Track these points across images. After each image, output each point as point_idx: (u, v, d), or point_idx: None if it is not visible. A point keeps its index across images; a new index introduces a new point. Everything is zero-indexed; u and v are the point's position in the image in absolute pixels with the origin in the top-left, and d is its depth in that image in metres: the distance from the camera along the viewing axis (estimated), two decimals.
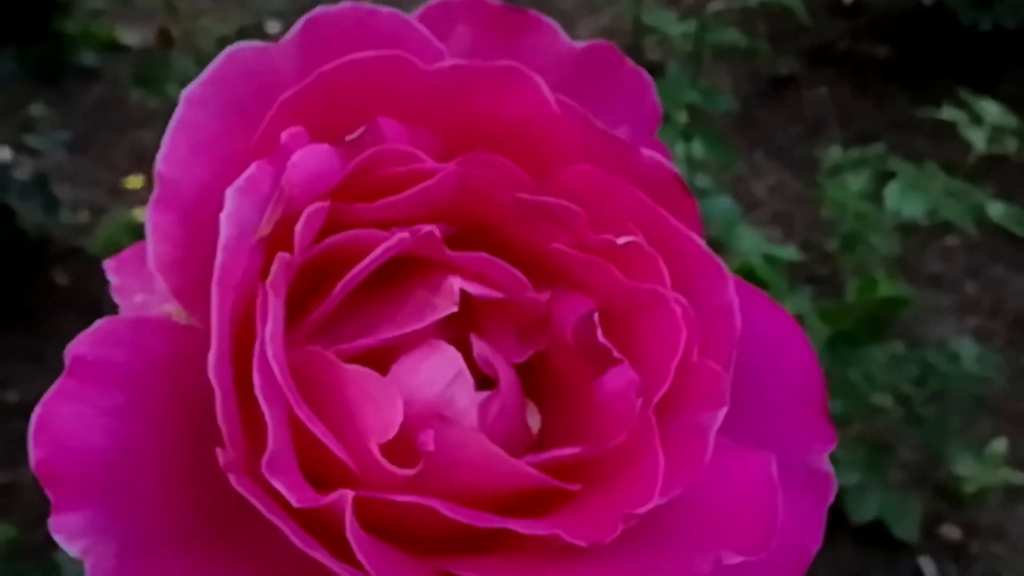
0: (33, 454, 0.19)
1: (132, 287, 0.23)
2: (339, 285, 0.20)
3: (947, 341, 1.24)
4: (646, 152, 0.22)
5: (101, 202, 1.57)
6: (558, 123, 0.22)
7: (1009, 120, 1.06)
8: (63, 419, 0.19)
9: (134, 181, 1.60)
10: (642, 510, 0.20)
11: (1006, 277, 1.52)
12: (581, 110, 0.22)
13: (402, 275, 0.22)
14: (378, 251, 0.20)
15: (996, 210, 1.08)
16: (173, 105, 0.21)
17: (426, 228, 0.21)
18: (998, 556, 1.19)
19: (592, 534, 0.19)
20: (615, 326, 0.22)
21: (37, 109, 1.69)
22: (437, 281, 0.21)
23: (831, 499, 0.26)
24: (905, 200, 1.04)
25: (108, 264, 0.23)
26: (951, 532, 1.21)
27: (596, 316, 0.21)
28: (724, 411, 0.21)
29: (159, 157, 0.21)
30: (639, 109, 0.24)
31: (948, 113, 1.07)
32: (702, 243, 0.22)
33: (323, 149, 0.20)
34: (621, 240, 0.21)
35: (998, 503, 1.23)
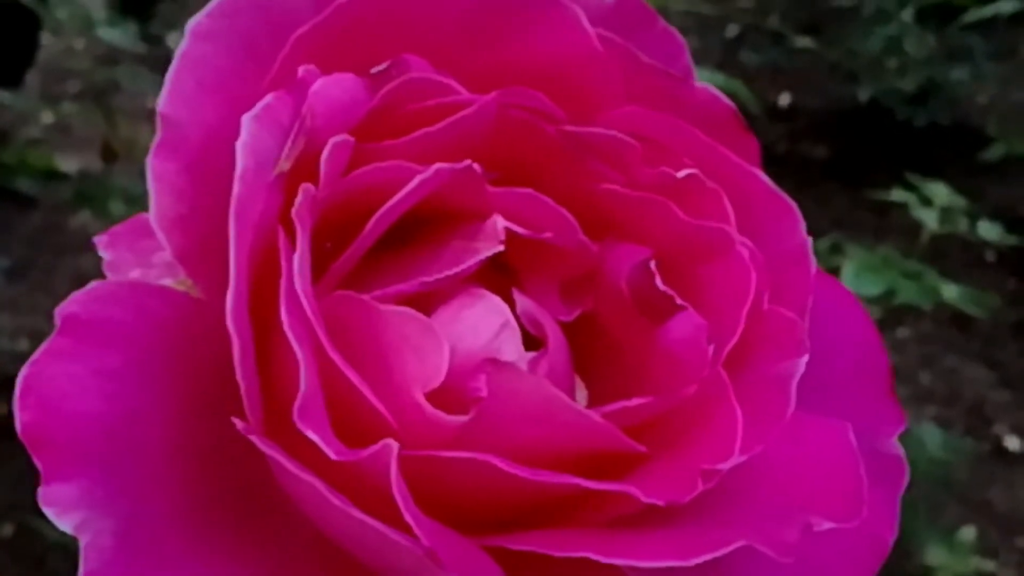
0: (20, 417, 0.16)
1: (126, 261, 0.20)
2: (370, 223, 0.18)
3: (908, 431, 1.23)
4: (699, 86, 0.20)
5: (42, 329, 1.52)
6: (601, 61, 0.20)
7: (958, 200, 1.07)
8: (54, 379, 0.17)
9: None
10: (723, 466, 0.17)
11: (959, 366, 1.52)
12: (625, 45, 0.20)
13: (433, 230, 0.20)
14: (414, 183, 0.18)
15: (951, 292, 1.08)
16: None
17: (465, 161, 0.18)
18: None
19: (669, 493, 0.17)
20: (673, 275, 0.19)
21: None
22: (475, 228, 0.19)
23: (904, 485, 0.24)
24: (861, 282, 1.04)
25: (99, 239, 0.20)
26: None
27: (653, 264, 0.19)
28: (804, 359, 0.19)
29: (162, 97, 0.18)
30: (673, 70, 0.23)
31: (898, 195, 1.08)
32: (768, 180, 0.20)
33: (348, 78, 0.18)
34: (680, 174, 0.19)
35: None
